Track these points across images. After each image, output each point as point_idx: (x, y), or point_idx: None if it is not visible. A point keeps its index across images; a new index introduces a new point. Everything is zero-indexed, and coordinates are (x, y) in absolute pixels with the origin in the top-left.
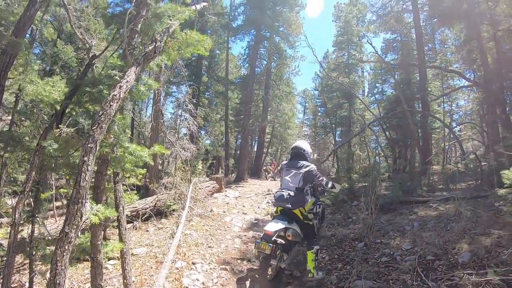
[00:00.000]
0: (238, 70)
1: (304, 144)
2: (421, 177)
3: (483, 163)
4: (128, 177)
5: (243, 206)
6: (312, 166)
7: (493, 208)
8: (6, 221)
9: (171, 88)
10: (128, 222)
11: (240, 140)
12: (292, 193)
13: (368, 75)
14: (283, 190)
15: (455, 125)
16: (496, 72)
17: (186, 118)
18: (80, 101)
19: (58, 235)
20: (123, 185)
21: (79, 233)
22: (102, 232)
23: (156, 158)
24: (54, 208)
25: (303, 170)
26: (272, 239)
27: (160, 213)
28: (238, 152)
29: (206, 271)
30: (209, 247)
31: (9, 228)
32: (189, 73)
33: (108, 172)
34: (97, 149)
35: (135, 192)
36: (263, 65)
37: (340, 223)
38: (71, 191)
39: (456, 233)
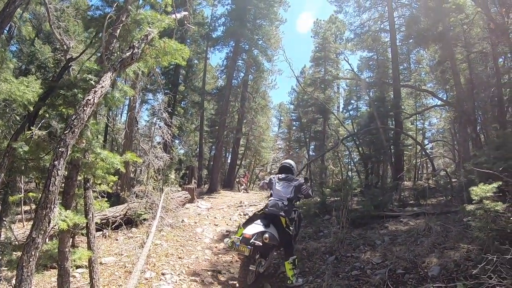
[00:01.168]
0: (215, 80)
1: (292, 162)
2: (392, 193)
3: (453, 180)
4: (99, 184)
5: (215, 218)
6: (301, 180)
7: (462, 223)
8: None
9: (147, 95)
10: (97, 230)
11: (214, 151)
12: (285, 203)
13: (344, 92)
14: (277, 199)
15: (427, 143)
16: (468, 92)
17: (160, 127)
18: (54, 104)
19: (25, 240)
20: (94, 192)
21: (47, 239)
22: (70, 239)
23: (128, 166)
24: (22, 212)
25: (294, 183)
26: (251, 241)
27: (130, 221)
28: (212, 163)
29: (176, 282)
30: (179, 258)
31: None
32: (166, 81)
33: (79, 178)
34: (68, 153)
35: (106, 199)
36: (240, 77)
37: (311, 237)
38: (40, 195)
39: (426, 247)
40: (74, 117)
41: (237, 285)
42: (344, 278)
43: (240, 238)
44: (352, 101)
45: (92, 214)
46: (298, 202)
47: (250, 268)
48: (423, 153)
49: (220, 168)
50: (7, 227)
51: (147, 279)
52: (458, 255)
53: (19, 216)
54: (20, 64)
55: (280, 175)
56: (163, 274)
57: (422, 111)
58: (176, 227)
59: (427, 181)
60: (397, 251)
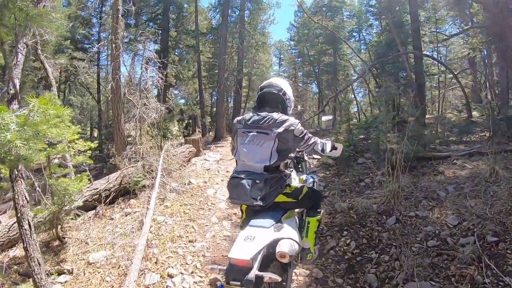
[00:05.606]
0: (209, 22)
1: (283, 83)
2: (433, 128)
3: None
4: (73, 155)
5: (227, 172)
6: (293, 120)
7: None
8: None
9: (137, 46)
10: (89, 209)
11: (215, 97)
12: (260, 178)
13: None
14: (241, 174)
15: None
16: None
17: (146, 69)
18: None
19: None
20: (74, 167)
21: None
22: None
23: (120, 124)
24: None
25: (276, 130)
26: (251, 275)
27: (128, 192)
28: (215, 109)
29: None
30: (190, 241)
31: None
32: (154, 28)
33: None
34: None
35: (87, 174)
36: (235, 15)
37: (352, 189)
38: None
39: (505, 200)
40: None
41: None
42: (422, 253)
43: (225, 269)
44: (354, 34)
45: (29, 223)
46: (309, 161)
47: None
48: (456, 81)
49: (224, 113)
50: None
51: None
52: None
53: None
54: None
55: (249, 115)
56: (170, 276)
57: (451, 37)
58: (182, 192)
59: (459, 113)
60: (472, 206)
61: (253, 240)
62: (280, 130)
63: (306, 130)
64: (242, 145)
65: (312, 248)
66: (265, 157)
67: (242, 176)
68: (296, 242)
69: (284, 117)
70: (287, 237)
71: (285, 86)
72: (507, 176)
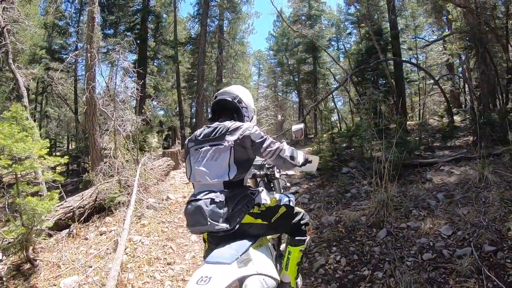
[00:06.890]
0: (188, 32)
1: (239, 90)
2: (417, 134)
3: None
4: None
5: None
6: (250, 125)
7: None
8: None
9: (113, 56)
10: (62, 228)
11: (195, 107)
12: (220, 196)
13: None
14: (197, 196)
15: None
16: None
17: (122, 80)
18: None
19: None
20: (47, 183)
21: None
22: None
23: (95, 137)
24: None
25: (231, 139)
26: None
27: (104, 208)
28: (194, 120)
29: None
30: (168, 263)
31: None
32: (132, 38)
33: None
34: None
35: (58, 191)
36: (214, 25)
37: (338, 201)
38: None
39: (498, 206)
40: None
41: None
42: (417, 268)
43: None
44: (333, 42)
45: None
46: (284, 179)
47: None
48: (437, 87)
49: (203, 124)
50: None
51: None
52: None
53: None
54: None
55: (200, 130)
56: None
57: (433, 42)
58: (160, 208)
59: (441, 119)
60: (465, 214)
61: (207, 283)
62: (234, 137)
63: (266, 135)
64: (195, 164)
65: (293, 282)
66: (222, 172)
67: (199, 197)
68: (269, 277)
69: (238, 123)
70: (255, 273)
71: (242, 93)
72: (497, 181)
